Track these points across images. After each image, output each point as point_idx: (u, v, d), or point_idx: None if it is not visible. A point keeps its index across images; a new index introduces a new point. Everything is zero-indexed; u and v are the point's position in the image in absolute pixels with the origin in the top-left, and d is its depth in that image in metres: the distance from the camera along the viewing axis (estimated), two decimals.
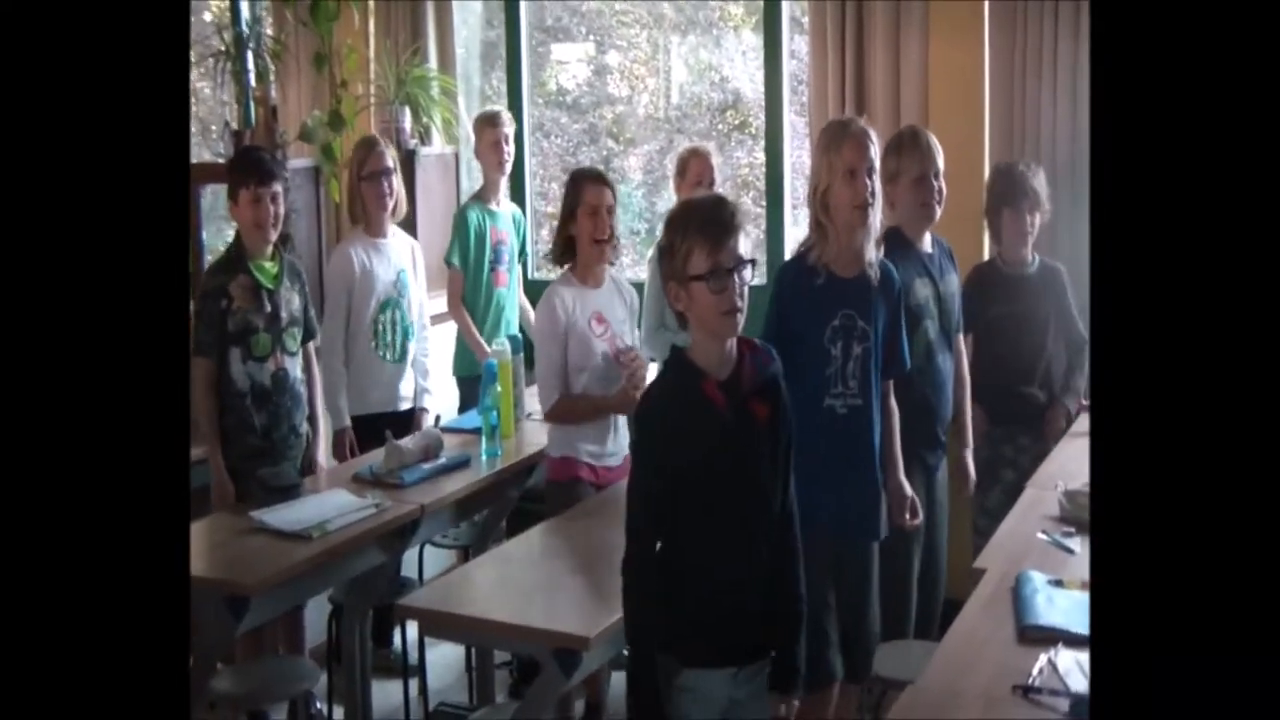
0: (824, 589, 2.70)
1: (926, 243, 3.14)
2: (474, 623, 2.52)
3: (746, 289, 2.07)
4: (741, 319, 2.08)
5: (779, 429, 2.17)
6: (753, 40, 4.91)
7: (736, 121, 5.05)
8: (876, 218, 2.71)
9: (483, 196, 4.21)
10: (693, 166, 3.85)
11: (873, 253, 2.73)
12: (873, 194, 2.66)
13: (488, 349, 3.94)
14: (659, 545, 2.12)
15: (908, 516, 2.89)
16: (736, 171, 4.90)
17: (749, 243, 2.12)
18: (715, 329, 2.08)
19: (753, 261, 2.11)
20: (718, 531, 2.10)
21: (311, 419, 3.45)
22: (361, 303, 3.70)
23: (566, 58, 5.42)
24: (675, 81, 5.31)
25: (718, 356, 2.11)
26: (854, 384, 2.71)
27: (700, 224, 2.06)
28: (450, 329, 4.20)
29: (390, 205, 3.77)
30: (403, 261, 3.83)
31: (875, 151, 2.70)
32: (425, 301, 3.97)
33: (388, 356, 3.76)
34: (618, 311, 3.22)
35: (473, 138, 4.33)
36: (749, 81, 4.96)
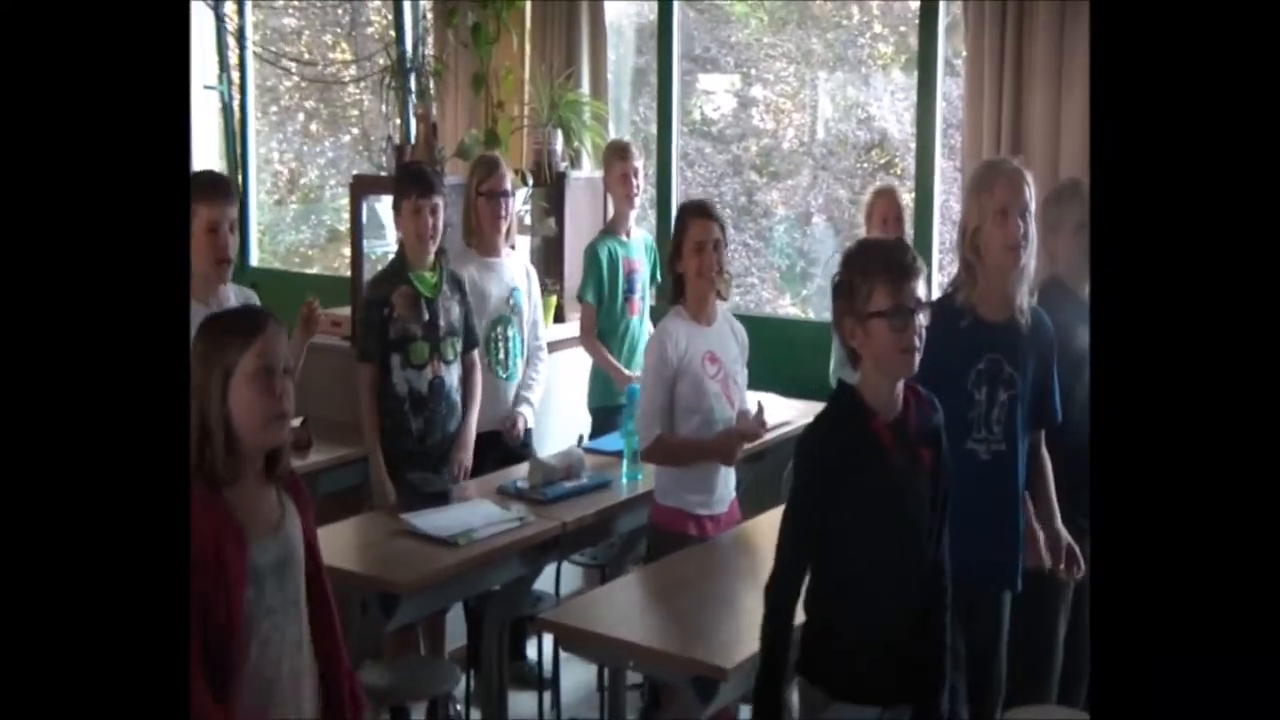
0: (955, 639, 2.67)
1: (1086, 292, 3.09)
2: (613, 643, 2.55)
3: (923, 330, 2.10)
4: (918, 359, 2.10)
5: (940, 477, 2.18)
6: (901, 79, 4.91)
7: (882, 161, 5.05)
8: (1030, 261, 2.64)
9: (612, 228, 4.24)
10: (878, 206, 3.83)
11: (1024, 298, 2.66)
12: (1025, 236, 2.59)
13: (627, 372, 4.00)
14: (815, 576, 2.15)
15: (1063, 565, 2.76)
16: None
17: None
18: (892, 367, 2.11)
19: (930, 304, 2.14)
20: (873, 570, 2.12)
21: (464, 421, 3.49)
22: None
23: (713, 88, 5.48)
24: (821, 117, 5.33)
25: (887, 396, 2.13)
26: (998, 430, 2.64)
27: (883, 263, 2.11)
28: (583, 361, 4.23)
29: (504, 227, 3.76)
30: (516, 280, 3.82)
31: (1030, 193, 2.62)
32: (540, 322, 3.96)
33: (501, 374, 3.75)
34: (730, 350, 3.11)
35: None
36: (896, 121, 4.96)
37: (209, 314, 1.98)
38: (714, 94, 5.49)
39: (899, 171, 4.87)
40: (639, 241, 4.29)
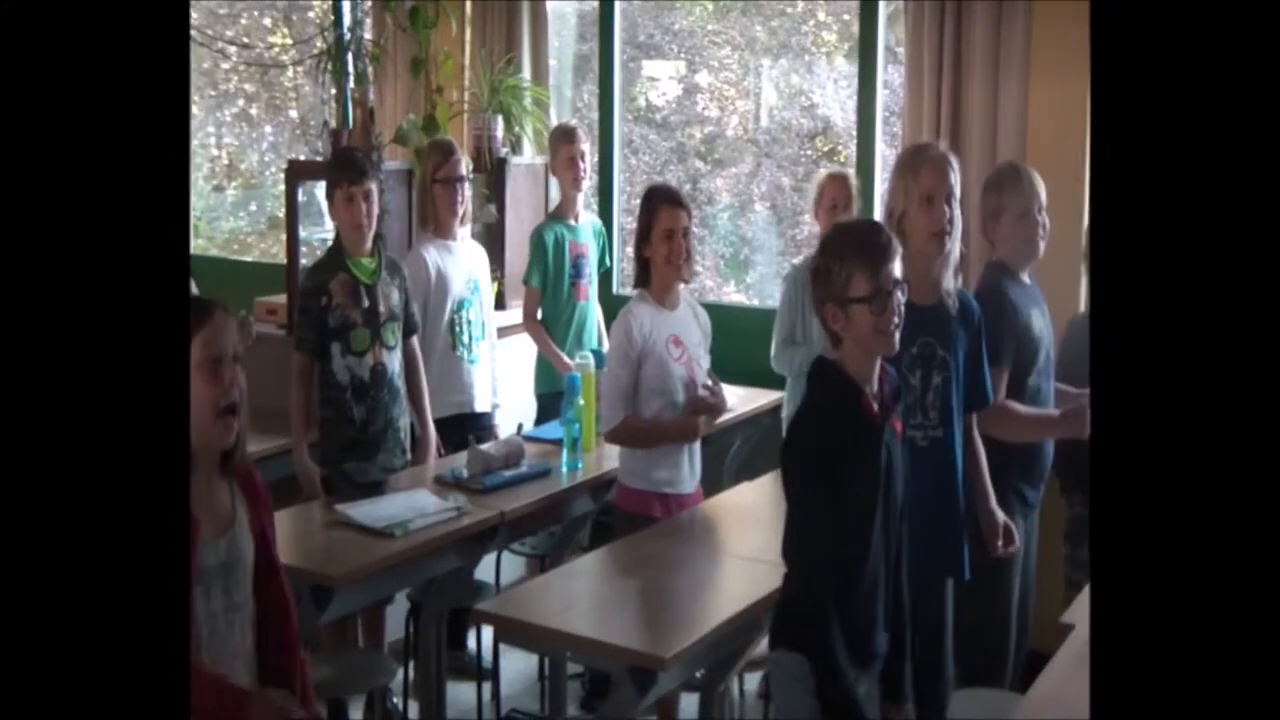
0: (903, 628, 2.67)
1: (1027, 276, 3.12)
2: (551, 634, 2.53)
3: (901, 307, 2.13)
4: (899, 336, 2.15)
5: (903, 444, 2.26)
6: (845, 68, 4.92)
7: (825, 149, 5.05)
8: (955, 246, 2.67)
9: (560, 213, 4.24)
10: (828, 190, 3.84)
11: (950, 281, 2.69)
12: (950, 221, 2.62)
13: (567, 361, 3.98)
14: (812, 553, 2.16)
15: (1001, 543, 2.81)
16: None
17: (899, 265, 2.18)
18: (874, 348, 2.15)
19: (906, 282, 2.17)
20: (867, 540, 2.15)
21: (418, 407, 3.50)
22: (438, 304, 3.72)
23: (658, 74, 5.45)
24: (765, 105, 5.32)
25: (870, 372, 2.18)
26: (934, 414, 2.67)
27: (859, 248, 2.13)
28: (530, 345, 4.21)
29: (461, 212, 3.79)
30: (473, 264, 3.86)
31: (956, 179, 2.66)
32: (492, 308, 4.00)
33: (465, 357, 3.79)
34: (693, 334, 3.18)
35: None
36: (839, 109, 4.96)
37: None
38: (659, 80, 5.45)
39: (842, 159, 4.87)
40: (587, 225, 4.28)
